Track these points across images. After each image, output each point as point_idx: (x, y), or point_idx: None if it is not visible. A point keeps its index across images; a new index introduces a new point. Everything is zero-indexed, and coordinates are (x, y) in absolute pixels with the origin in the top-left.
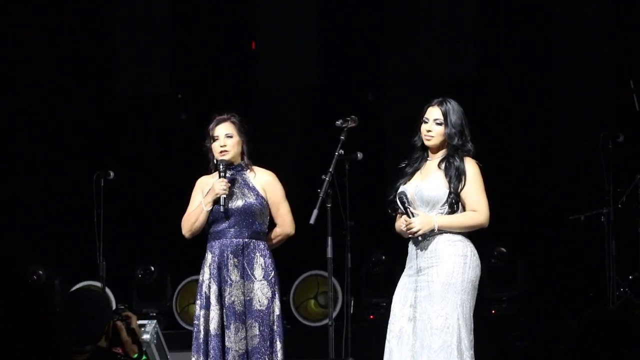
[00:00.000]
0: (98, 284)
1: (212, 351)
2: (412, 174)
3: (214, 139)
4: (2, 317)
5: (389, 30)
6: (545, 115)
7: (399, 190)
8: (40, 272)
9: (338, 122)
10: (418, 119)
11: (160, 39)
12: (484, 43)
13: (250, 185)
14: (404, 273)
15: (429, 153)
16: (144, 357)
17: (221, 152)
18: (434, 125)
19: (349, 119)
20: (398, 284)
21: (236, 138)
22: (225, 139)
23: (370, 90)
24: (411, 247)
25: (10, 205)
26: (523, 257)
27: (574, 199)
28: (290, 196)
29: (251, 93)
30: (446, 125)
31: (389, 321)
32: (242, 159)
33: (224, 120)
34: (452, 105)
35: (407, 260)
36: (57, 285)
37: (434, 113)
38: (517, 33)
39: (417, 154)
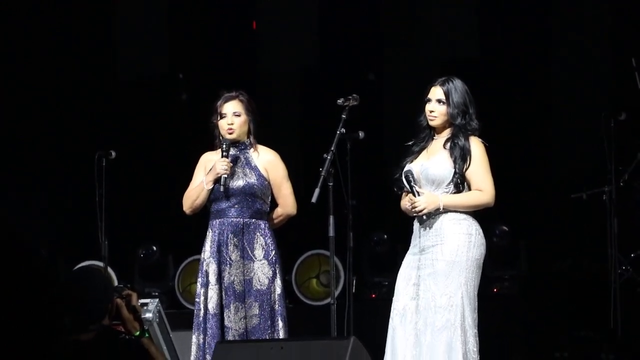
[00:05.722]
0: (100, 264)
1: (210, 330)
2: (419, 152)
3: (221, 116)
4: (5, 295)
5: (389, 10)
6: (547, 94)
7: (405, 169)
8: (43, 251)
9: (340, 101)
10: (421, 98)
11: (161, 19)
12: (484, 22)
13: (253, 164)
14: (408, 252)
15: (435, 132)
16: (146, 335)
17: (228, 130)
18: (436, 105)
19: (350, 97)
20: (402, 263)
21: (244, 117)
22: (233, 117)
23: (370, 70)
24: (416, 226)
25: (13, 185)
26: (525, 235)
27: (576, 177)
28: (291, 175)
29: (252, 73)
30: (448, 104)
31: (393, 299)
32: (248, 137)
33: (232, 98)
34: (455, 85)
35: (412, 239)
36: (59, 265)
37: (436, 93)
38: (518, 12)
39: (424, 133)
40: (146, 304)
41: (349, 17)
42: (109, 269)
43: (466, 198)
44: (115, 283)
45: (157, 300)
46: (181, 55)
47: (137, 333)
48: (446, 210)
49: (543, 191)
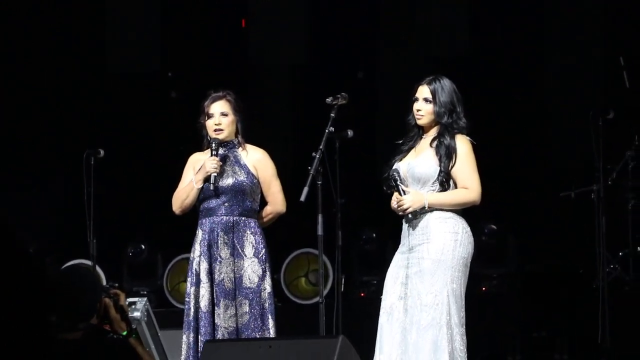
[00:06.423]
0: (88, 263)
1: (202, 328)
2: (407, 151)
3: (209, 116)
4: None
5: (380, 7)
6: (536, 93)
7: (392, 168)
8: (31, 250)
9: (328, 100)
10: (410, 97)
11: (151, 16)
12: (476, 20)
13: (242, 163)
14: (397, 250)
15: (423, 131)
16: (133, 335)
17: (215, 130)
18: (423, 103)
19: (339, 96)
20: (392, 261)
21: (231, 117)
22: (220, 117)
23: (360, 68)
24: (404, 225)
25: (0, 184)
26: (513, 234)
27: (564, 175)
28: (280, 174)
29: (241, 70)
30: (435, 103)
31: (382, 297)
32: (236, 136)
33: (220, 98)
34: (442, 84)
35: (401, 238)
36: (47, 264)
37: (423, 92)
38: (509, 10)
39: (413, 132)
40: (134, 303)
41: (339, 14)
42: (98, 268)
43: (452, 196)
44: (104, 282)
45: (145, 299)
46: (171, 53)
47: (125, 333)
48: (432, 208)
49: (532, 190)
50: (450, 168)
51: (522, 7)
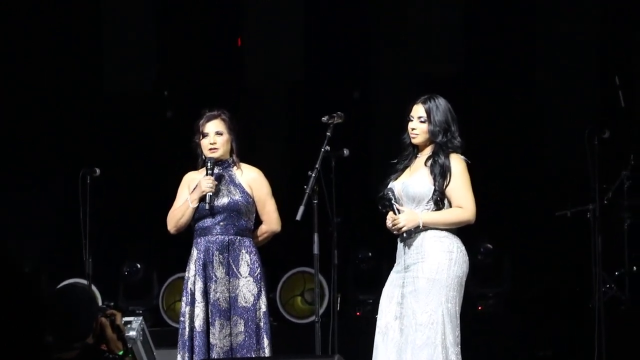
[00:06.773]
0: (84, 282)
1: (196, 348)
2: (403, 170)
3: (204, 136)
4: None
5: (375, 26)
6: (532, 112)
7: (387, 187)
8: (26, 269)
9: (324, 119)
10: (405, 116)
11: (147, 35)
12: (471, 39)
13: (237, 182)
14: (393, 269)
15: (418, 150)
16: (129, 355)
17: (211, 149)
18: (418, 123)
19: (335, 115)
20: (387, 280)
21: (226, 136)
22: (215, 136)
23: (356, 88)
24: (399, 244)
25: None
26: (509, 253)
27: (560, 195)
28: (276, 192)
29: (237, 90)
30: (430, 122)
31: (377, 317)
32: (231, 155)
33: (214, 117)
34: (437, 103)
35: (396, 257)
36: (43, 282)
37: (418, 111)
38: (504, 29)
39: (408, 150)
40: (130, 322)
41: (335, 33)
42: (93, 287)
43: (446, 215)
44: (100, 301)
45: (141, 318)
46: (167, 72)
47: (121, 352)
48: (427, 227)
49: (527, 209)
50: (444, 187)
51: (516, 26)
